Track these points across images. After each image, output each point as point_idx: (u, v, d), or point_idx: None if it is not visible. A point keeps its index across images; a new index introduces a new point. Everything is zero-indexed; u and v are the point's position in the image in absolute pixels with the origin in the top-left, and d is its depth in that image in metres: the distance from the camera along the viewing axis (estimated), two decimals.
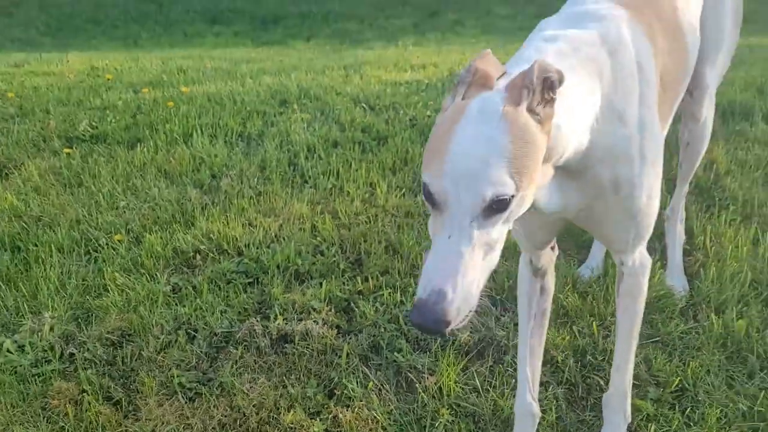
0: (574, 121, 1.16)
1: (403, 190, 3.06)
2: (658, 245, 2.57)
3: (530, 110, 1.03)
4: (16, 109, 4.39)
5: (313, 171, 3.25)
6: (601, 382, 1.98)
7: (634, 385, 1.97)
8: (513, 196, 1.00)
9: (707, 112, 2.11)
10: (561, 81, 1.04)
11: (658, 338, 2.13)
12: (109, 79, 5.35)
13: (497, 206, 1.00)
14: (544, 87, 1.04)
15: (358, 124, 3.79)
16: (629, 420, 1.74)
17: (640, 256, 1.53)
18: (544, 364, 2.06)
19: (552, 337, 2.12)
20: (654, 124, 1.35)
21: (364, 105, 4.46)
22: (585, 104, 1.20)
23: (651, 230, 1.49)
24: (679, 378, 1.94)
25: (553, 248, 1.66)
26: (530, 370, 1.73)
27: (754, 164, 3.07)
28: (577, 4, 1.50)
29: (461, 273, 0.97)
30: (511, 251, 2.10)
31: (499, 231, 1.02)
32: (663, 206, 2.73)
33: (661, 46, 1.45)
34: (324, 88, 4.92)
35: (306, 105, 4.48)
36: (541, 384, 1.98)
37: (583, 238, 2.65)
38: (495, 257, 1.05)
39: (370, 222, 2.81)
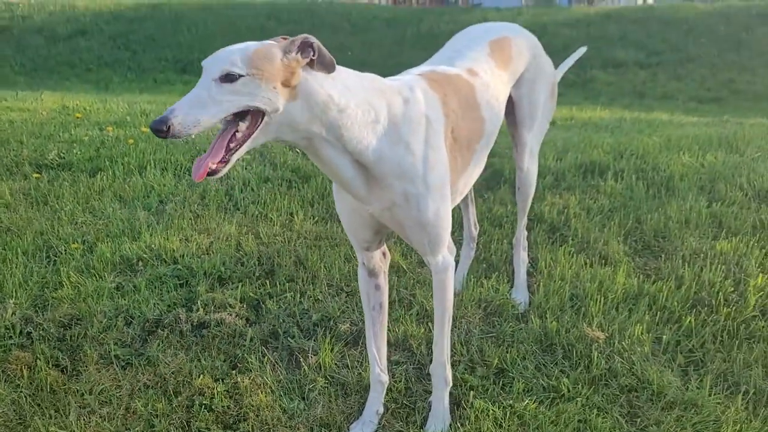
0: (343, 102, 1.64)
1: (317, 219, 3.55)
2: (508, 267, 3.11)
3: (285, 52, 1.56)
4: None
5: (245, 200, 3.71)
6: None
7: (467, 366, 2.47)
8: (242, 76, 1.49)
9: (528, 164, 2.59)
10: (329, 65, 1.60)
11: (494, 334, 2.63)
12: (78, 117, 5.74)
13: (228, 78, 1.48)
14: (302, 46, 1.56)
15: (289, 165, 4.27)
16: (450, 384, 2.17)
17: (443, 260, 1.94)
18: (402, 349, 2.54)
19: (411, 330, 2.61)
20: (438, 162, 1.80)
21: (297, 150, 4.96)
22: (363, 107, 1.68)
23: (444, 242, 1.90)
24: (498, 360, 2.44)
25: (384, 254, 2.09)
26: (376, 348, 2.15)
27: (597, 211, 3.67)
28: (400, 75, 2.04)
29: (189, 104, 1.48)
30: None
31: (230, 97, 1.50)
32: (510, 236, 3.27)
33: (455, 110, 1.91)
34: None
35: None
36: (397, 363, 2.45)
37: None
38: (220, 112, 1.50)
39: (285, 242, 3.28)
